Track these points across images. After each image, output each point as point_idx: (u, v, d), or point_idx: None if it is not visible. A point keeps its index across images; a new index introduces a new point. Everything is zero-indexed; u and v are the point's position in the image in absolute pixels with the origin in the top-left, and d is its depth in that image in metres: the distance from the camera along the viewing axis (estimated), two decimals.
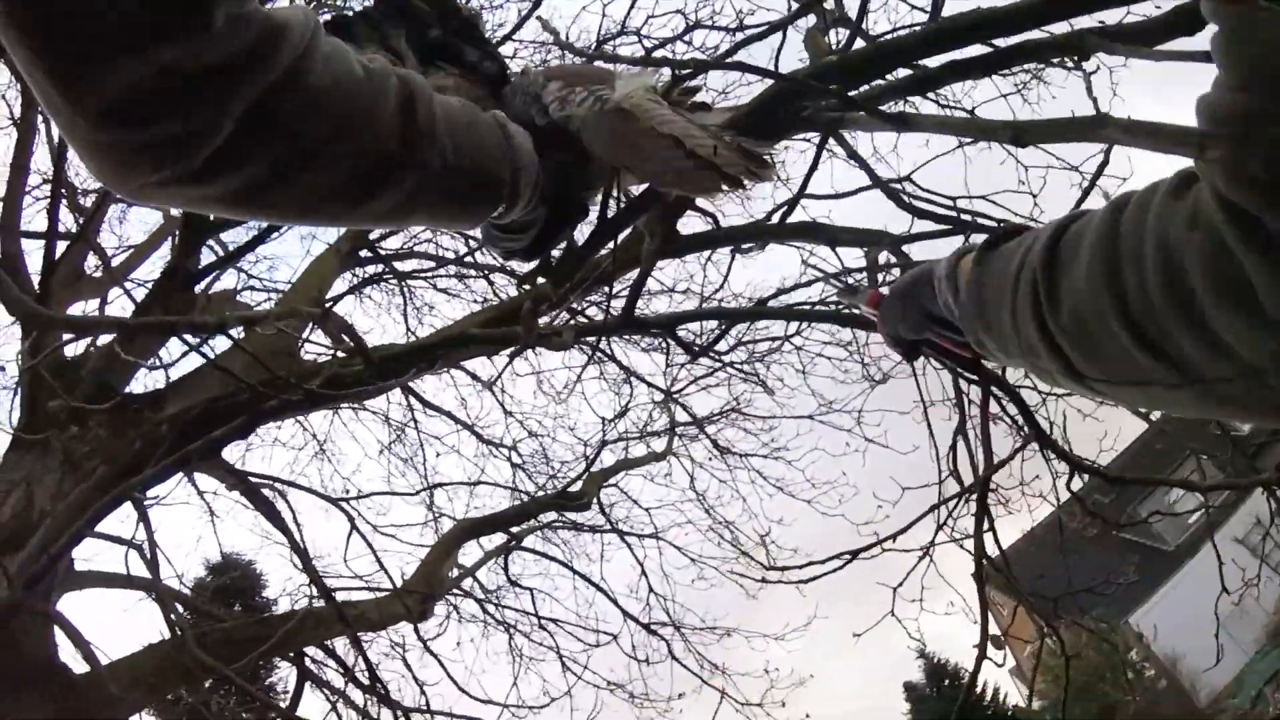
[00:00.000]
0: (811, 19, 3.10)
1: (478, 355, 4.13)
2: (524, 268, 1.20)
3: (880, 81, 1.56)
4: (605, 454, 5.90)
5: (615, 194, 1.09)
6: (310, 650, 5.06)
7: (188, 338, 3.08)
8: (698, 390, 5.75)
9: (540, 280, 1.22)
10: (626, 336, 4.70)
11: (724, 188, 0.81)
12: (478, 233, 1.06)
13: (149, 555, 3.92)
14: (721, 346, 4.39)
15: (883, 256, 3.63)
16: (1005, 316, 0.76)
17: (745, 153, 0.82)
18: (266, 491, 4.88)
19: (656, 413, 5.97)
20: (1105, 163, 2.55)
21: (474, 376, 5.59)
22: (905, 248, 3.21)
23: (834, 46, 2.80)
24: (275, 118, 0.66)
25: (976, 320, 0.82)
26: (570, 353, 4.98)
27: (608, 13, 5.09)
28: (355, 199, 0.77)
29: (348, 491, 5.83)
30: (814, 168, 1.22)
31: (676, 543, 6.24)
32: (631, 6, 5.29)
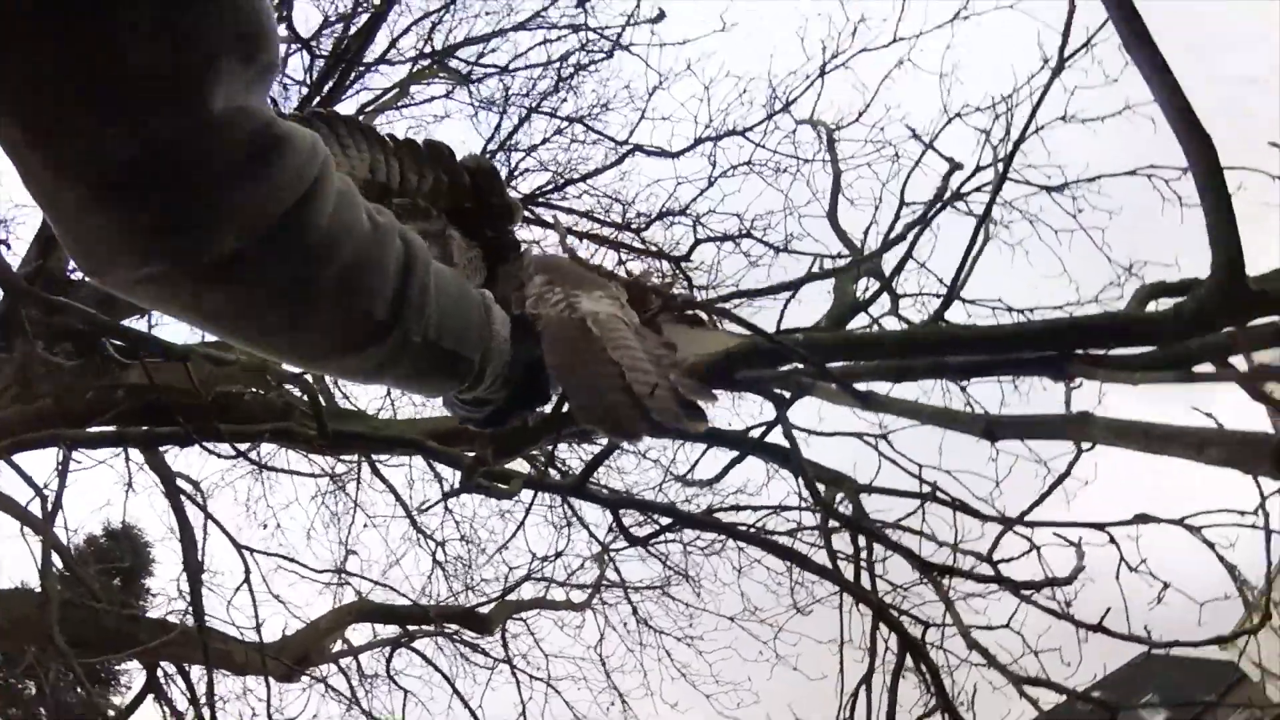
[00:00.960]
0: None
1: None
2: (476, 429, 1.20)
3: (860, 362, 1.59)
4: (526, 585, 5.79)
5: None
6: (165, 664, 4.86)
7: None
8: (634, 555, 5.69)
9: (484, 450, 1.22)
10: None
11: (641, 432, 0.76)
12: None
13: (50, 506, 3.83)
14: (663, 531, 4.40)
15: (839, 495, 3.71)
16: None
17: (683, 400, 0.78)
18: (185, 486, 4.79)
19: (589, 563, 5.90)
20: (1074, 462, 2.62)
21: (434, 470, 5.53)
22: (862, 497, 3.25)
23: (860, 298, 2.89)
24: (286, 251, 0.64)
25: None
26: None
27: (677, 195, 5.34)
28: (333, 352, 0.76)
29: (264, 525, 5.74)
30: (772, 426, 1.22)
31: (566, 695, 6.04)
32: (699, 195, 5.54)
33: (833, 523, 3.13)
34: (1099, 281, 4.52)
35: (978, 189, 3.84)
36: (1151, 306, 1.98)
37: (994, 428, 1.38)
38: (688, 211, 5.43)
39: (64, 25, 0.49)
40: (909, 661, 2.99)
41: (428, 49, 6.28)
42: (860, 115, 5.04)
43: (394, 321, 0.74)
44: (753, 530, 2.78)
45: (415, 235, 0.80)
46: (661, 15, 5.14)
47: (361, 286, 0.71)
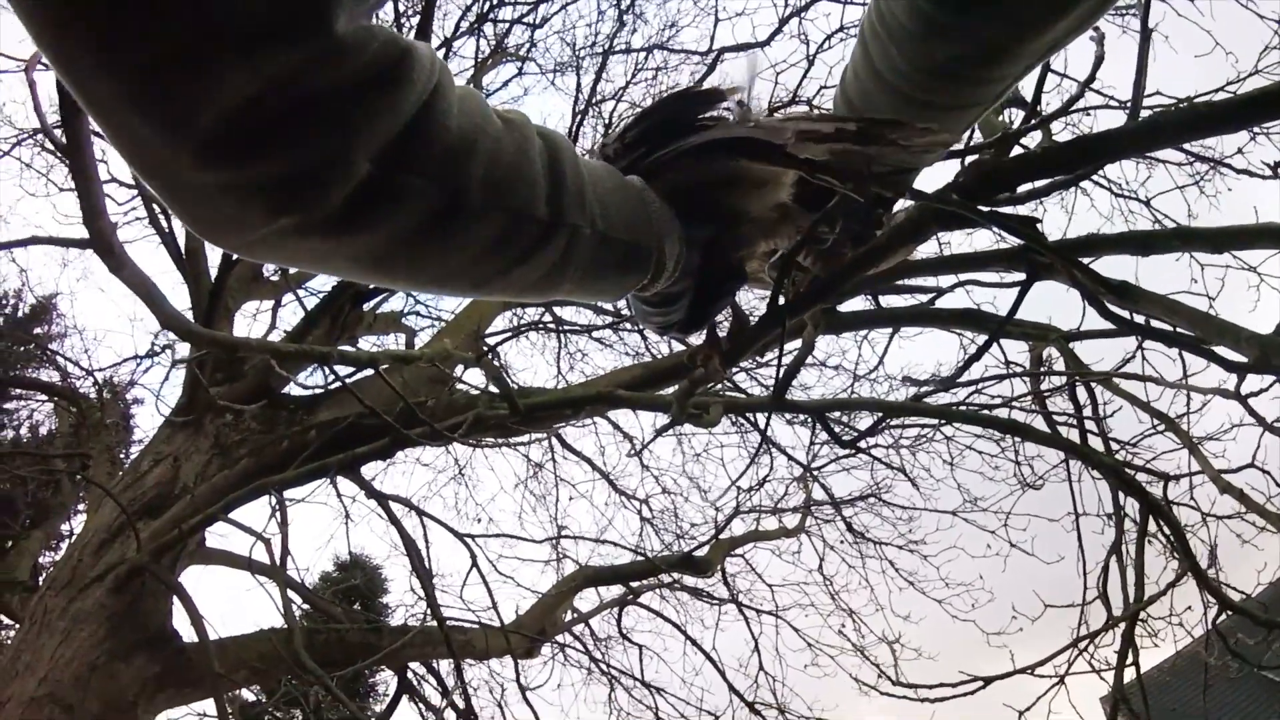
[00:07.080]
0: None
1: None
2: (694, 342, 1.14)
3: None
4: (736, 522, 5.69)
5: (788, 280, 1.04)
6: (414, 665, 5.13)
7: (338, 369, 3.08)
8: (838, 469, 5.57)
9: (709, 359, 1.16)
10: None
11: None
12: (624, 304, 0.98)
13: (280, 549, 4.06)
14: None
15: (1046, 352, 3.46)
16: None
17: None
18: (398, 507, 5.00)
19: (794, 487, 5.82)
20: None
21: (620, 430, 5.58)
22: (1072, 345, 3.02)
23: (1010, 126, 2.68)
24: (421, 161, 0.57)
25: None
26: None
27: (782, 82, 5.04)
28: (504, 264, 0.68)
29: (478, 520, 5.93)
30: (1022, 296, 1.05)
31: (795, 624, 6.00)
32: (804, 77, 5.28)
33: (1048, 384, 2.94)
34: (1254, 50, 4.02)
35: None
36: None
37: (1270, 352, 1.04)
38: (798, 98, 5.19)
39: None
40: (1151, 526, 2.75)
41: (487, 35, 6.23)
42: None
43: (557, 216, 0.68)
44: (965, 410, 2.65)
45: (552, 129, 0.73)
46: None
47: (512, 184, 0.64)
